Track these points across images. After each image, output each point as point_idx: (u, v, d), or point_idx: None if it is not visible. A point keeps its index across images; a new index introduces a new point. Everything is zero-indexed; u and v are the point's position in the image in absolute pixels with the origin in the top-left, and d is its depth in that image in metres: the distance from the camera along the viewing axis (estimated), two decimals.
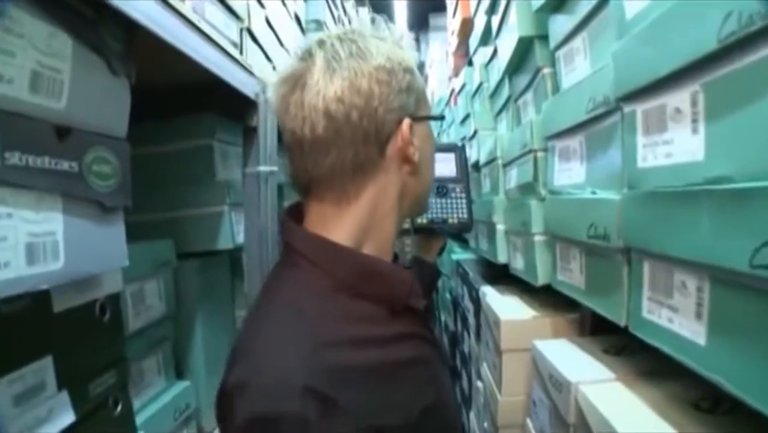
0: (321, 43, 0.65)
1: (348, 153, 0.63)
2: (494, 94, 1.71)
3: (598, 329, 1.08)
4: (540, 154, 1.10)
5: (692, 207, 0.54)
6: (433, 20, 6.01)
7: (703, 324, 0.54)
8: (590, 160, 0.87)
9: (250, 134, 1.17)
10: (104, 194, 0.66)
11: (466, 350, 2.10)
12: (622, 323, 0.76)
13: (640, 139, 0.67)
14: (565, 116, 0.93)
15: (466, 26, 2.40)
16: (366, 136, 0.63)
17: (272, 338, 0.58)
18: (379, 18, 0.72)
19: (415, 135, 0.67)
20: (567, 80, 1.00)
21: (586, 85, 0.85)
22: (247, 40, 1.18)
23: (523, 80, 1.33)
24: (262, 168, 1.16)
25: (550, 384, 0.90)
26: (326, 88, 0.61)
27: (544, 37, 1.15)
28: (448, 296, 2.76)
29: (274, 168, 1.21)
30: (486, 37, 1.85)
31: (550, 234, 1.05)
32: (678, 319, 0.60)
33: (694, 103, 0.55)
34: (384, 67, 0.64)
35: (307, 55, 0.65)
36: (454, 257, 2.48)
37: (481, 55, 1.87)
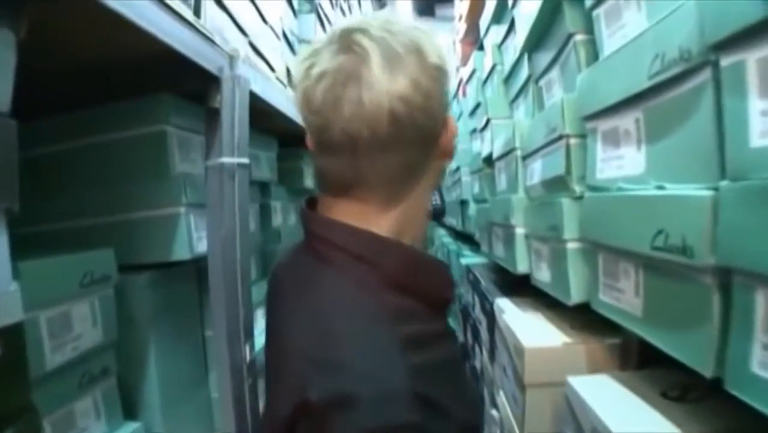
0: (367, 34, 0.60)
1: (406, 155, 0.61)
2: (510, 77, 1.48)
3: (647, 357, 0.88)
4: (574, 140, 0.87)
5: None
6: (440, 11, 5.76)
7: None
8: (653, 142, 0.64)
9: (212, 118, 0.95)
10: None
11: (477, 366, 1.91)
12: (709, 374, 0.54)
13: (755, 104, 0.44)
14: (613, 88, 0.70)
15: (476, 7, 2.17)
16: (425, 137, 0.61)
17: (354, 343, 0.55)
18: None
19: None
20: (611, 44, 0.77)
21: (648, 39, 0.62)
22: (207, 1, 0.95)
23: (546, 56, 1.10)
24: (226, 160, 0.93)
25: None
26: (389, 85, 0.57)
27: None
28: (456, 301, 2.53)
29: (244, 160, 0.98)
30: (499, 14, 1.63)
31: (590, 241, 0.82)
32: None
33: None
34: (437, 65, 0.60)
35: (354, 47, 0.59)
36: (464, 261, 2.26)
37: (494, 35, 1.65)
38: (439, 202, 1.08)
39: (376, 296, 0.59)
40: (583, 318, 1.00)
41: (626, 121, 0.68)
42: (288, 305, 0.66)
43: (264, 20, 1.40)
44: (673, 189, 0.59)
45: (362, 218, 0.63)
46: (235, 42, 1.09)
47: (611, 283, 0.77)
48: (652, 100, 0.63)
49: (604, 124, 0.75)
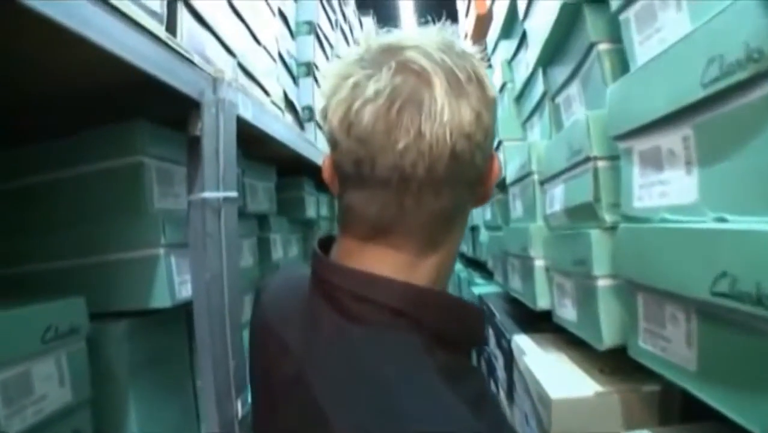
0: (426, 54, 0.51)
1: (456, 198, 0.54)
2: (522, 95, 1.38)
3: (690, 408, 0.75)
4: (603, 163, 0.77)
5: None
6: None
7: None
8: (708, 164, 0.53)
9: (193, 147, 0.85)
10: None
11: None
12: None
13: None
14: (653, 101, 0.60)
15: (482, 23, 2.08)
16: (477, 179, 0.55)
17: (426, 420, 0.46)
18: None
19: None
20: (644, 51, 0.67)
21: (698, 41, 0.52)
22: (185, 15, 0.86)
23: (564, 70, 1.00)
24: (209, 194, 0.83)
25: None
26: (453, 118, 0.49)
27: (596, 1, 0.83)
28: None
29: (231, 193, 0.88)
30: (508, 29, 1.54)
31: (628, 280, 0.71)
32: None
33: None
34: (494, 97, 0.54)
35: (412, 66, 0.50)
36: (476, 290, 2.13)
37: (503, 51, 1.56)
38: None
39: (427, 357, 0.52)
40: (614, 359, 0.88)
41: (671, 140, 0.57)
42: (315, 370, 0.55)
43: (256, 40, 1.31)
44: (739, 222, 0.48)
45: (396, 268, 0.55)
46: (221, 63, 1.00)
47: (655, 329, 0.66)
48: (707, 113, 0.52)
49: (641, 144, 0.64)
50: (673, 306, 0.60)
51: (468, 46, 0.57)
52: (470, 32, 2.34)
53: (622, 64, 0.79)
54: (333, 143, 0.54)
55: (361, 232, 0.56)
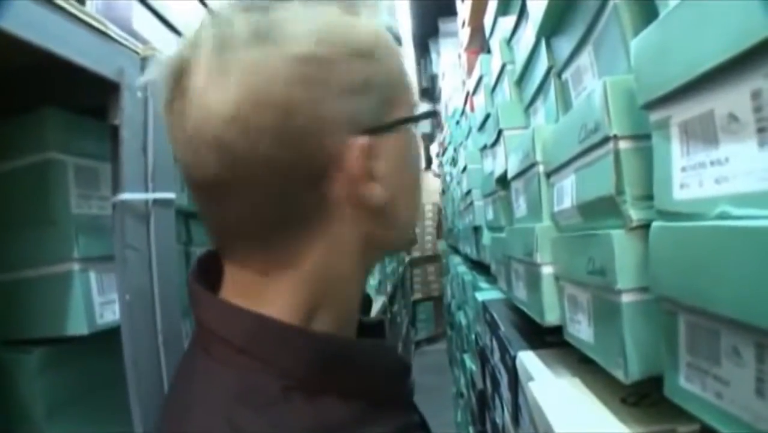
0: (215, 17, 0.42)
1: (263, 201, 0.43)
2: (523, 76, 1.21)
3: None
4: (626, 143, 0.59)
5: None
6: (443, 25, 5.49)
7: None
8: None
9: (113, 139, 0.68)
10: None
11: (498, 421, 1.62)
12: None
13: None
14: (703, 46, 0.42)
15: (480, 6, 1.92)
16: (290, 174, 0.43)
17: None
18: None
19: (380, 157, 0.46)
20: None
21: None
22: None
23: (572, 37, 0.83)
24: (129, 196, 0.66)
25: None
26: (213, 99, 0.40)
27: None
28: (473, 337, 2.25)
29: (164, 195, 0.71)
30: (506, 3, 1.37)
31: (665, 298, 0.53)
32: None
33: None
34: (314, 56, 0.41)
35: (194, 36, 0.42)
36: (480, 296, 1.96)
37: (501, 30, 1.39)
38: None
39: (272, 408, 0.42)
40: (638, 384, 0.71)
41: (732, 100, 0.40)
42: (164, 413, 0.48)
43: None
44: None
45: (243, 291, 0.47)
46: (158, 41, 0.83)
47: (704, 365, 0.48)
48: None
49: (684, 111, 0.46)
50: (734, 337, 0.43)
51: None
52: (467, 18, 2.18)
53: (645, 17, 0.62)
54: None
55: (213, 243, 0.50)
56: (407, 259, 6.44)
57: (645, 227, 0.56)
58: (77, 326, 0.71)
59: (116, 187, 0.68)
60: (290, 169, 0.43)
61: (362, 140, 0.45)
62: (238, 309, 0.46)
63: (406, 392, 0.55)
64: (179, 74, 0.43)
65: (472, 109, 2.17)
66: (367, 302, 0.88)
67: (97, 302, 0.74)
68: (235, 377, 0.44)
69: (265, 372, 0.44)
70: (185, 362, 0.50)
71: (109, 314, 0.75)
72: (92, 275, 0.73)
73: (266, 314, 0.45)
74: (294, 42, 0.42)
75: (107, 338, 0.82)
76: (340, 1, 0.47)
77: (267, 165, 0.42)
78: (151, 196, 0.70)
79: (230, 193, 0.43)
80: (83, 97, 0.70)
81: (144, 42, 0.78)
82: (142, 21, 0.82)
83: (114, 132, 0.68)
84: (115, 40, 0.67)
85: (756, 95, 0.37)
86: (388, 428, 0.50)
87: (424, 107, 0.68)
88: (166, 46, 0.85)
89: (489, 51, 1.70)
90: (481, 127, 1.84)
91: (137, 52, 0.71)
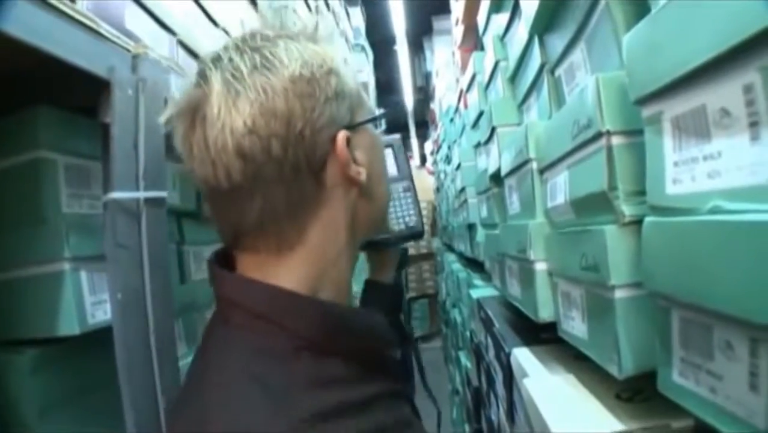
0: (216, 60, 0.53)
1: (278, 194, 0.53)
2: (517, 73, 1.21)
3: None
4: (618, 139, 0.59)
5: None
6: (437, 23, 5.48)
7: None
8: None
9: (105, 138, 0.68)
10: None
11: (494, 419, 1.62)
12: None
13: None
14: (695, 40, 0.42)
15: (473, 5, 1.91)
16: (296, 169, 0.53)
17: (234, 425, 0.46)
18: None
19: (357, 147, 0.59)
20: None
21: None
22: None
23: (564, 33, 0.83)
24: (119, 195, 0.66)
25: None
26: (232, 119, 0.50)
27: None
28: (468, 335, 2.26)
29: (156, 193, 0.71)
30: (498, 2, 1.37)
31: (658, 293, 0.53)
32: None
33: None
34: (302, 77, 0.53)
35: (202, 78, 0.53)
36: (474, 293, 1.96)
37: (494, 27, 1.38)
38: (413, 217, 0.93)
39: (287, 362, 0.51)
40: (635, 378, 0.71)
41: (724, 94, 0.40)
42: (190, 376, 0.57)
43: (213, 21, 1.14)
44: None
45: (258, 271, 0.56)
46: (151, 40, 0.82)
47: (697, 360, 0.48)
48: None
49: (676, 105, 0.46)
50: (727, 331, 0.43)
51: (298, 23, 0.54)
52: (461, 16, 2.18)
53: (636, 13, 0.62)
54: None
55: (224, 241, 0.59)
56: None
57: (638, 222, 0.56)
58: (68, 326, 0.70)
59: (107, 186, 0.68)
60: (297, 166, 0.53)
61: (345, 134, 0.56)
62: (257, 281, 0.55)
63: (393, 360, 0.63)
64: (195, 109, 0.52)
65: (466, 106, 2.17)
66: (398, 294, 1.05)
67: (89, 301, 0.73)
68: (253, 337, 0.53)
69: (280, 334, 0.52)
70: (206, 336, 0.58)
71: (101, 313, 0.74)
72: (83, 275, 0.72)
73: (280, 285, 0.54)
74: (285, 68, 0.52)
75: (100, 339, 0.81)
76: (304, 33, 0.58)
77: (279, 164, 0.52)
78: (142, 194, 0.69)
79: (252, 195, 0.52)
80: (74, 96, 0.69)
81: (137, 40, 0.77)
82: (135, 20, 0.82)
83: (105, 130, 0.67)
84: (106, 38, 0.67)
85: (748, 89, 0.37)
86: (378, 388, 0.57)
87: (378, 111, 0.83)
88: (158, 45, 0.85)
89: (482, 48, 1.71)
90: (475, 124, 1.84)
91: (128, 50, 0.71)
